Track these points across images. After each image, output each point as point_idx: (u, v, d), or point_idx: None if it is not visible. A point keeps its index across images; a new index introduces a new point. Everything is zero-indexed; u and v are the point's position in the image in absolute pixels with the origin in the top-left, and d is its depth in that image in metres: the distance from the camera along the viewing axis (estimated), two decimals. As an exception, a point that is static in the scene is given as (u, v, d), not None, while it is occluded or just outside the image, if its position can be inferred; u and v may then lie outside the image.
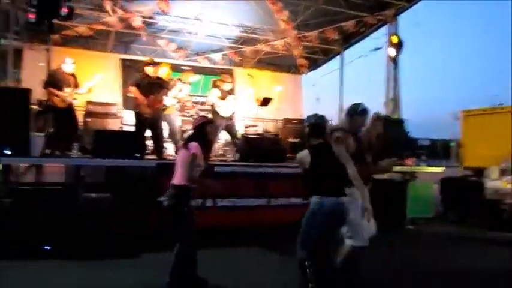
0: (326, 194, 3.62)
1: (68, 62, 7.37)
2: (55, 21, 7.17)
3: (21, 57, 10.92)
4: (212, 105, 8.38)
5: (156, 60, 7.94)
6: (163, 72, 7.91)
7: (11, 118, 5.33)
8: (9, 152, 5.22)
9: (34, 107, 7.20)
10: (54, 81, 6.99)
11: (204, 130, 4.32)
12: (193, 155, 4.10)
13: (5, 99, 5.46)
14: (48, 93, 6.98)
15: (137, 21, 10.23)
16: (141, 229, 5.80)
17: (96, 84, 7.58)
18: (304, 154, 3.85)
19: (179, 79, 8.27)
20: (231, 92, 8.74)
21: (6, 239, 5.18)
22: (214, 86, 8.68)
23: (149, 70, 7.28)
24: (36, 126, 7.04)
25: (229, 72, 8.87)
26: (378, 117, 8.01)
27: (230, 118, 8.43)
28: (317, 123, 3.90)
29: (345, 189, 3.66)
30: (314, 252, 3.67)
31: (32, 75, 9.36)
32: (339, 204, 3.61)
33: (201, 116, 4.96)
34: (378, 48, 11.31)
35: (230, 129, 8.44)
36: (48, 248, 5.23)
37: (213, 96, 8.34)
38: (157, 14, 10.38)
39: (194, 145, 4.15)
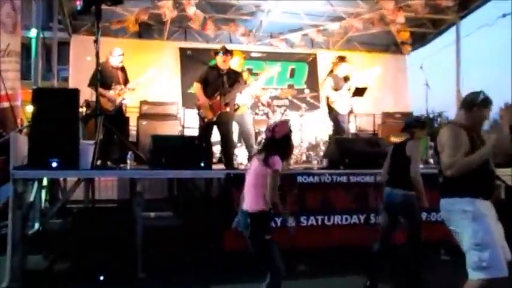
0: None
1: (115, 53, 7.65)
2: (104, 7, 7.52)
3: (68, 51, 11.74)
4: (327, 99, 8.40)
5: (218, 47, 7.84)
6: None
7: (58, 125, 5.60)
8: (56, 165, 5.50)
9: (82, 109, 7.61)
10: (101, 78, 7.27)
11: (289, 141, 4.27)
12: (277, 173, 4.02)
13: (51, 103, 5.72)
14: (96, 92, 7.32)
15: (191, 10, 10.45)
16: (214, 253, 5.90)
17: (148, 80, 7.83)
18: None
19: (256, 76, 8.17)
20: (347, 78, 8.53)
21: (56, 265, 5.52)
22: (330, 73, 8.62)
23: (219, 60, 7.16)
24: (85, 133, 7.41)
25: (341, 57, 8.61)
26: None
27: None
28: None
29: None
30: None
31: (79, 71, 9.94)
32: None
33: (285, 121, 4.87)
34: (507, 15, 10.69)
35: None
36: (102, 278, 5.47)
37: (327, 86, 8.34)
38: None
39: (277, 160, 4.05)
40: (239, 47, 12.10)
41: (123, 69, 7.77)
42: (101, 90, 7.17)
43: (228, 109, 7.07)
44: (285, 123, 4.53)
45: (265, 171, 4.03)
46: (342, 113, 8.35)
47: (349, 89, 8.33)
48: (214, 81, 7.04)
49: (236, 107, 7.60)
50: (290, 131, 4.31)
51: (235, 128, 7.83)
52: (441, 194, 4.01)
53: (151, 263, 5.71)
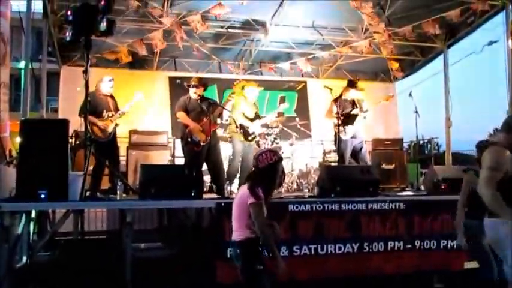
0: None
1: (105, 80, 7.77)
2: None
3: (57, 82, 11.75)
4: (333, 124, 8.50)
5: (208, 76, 8.19)
6: (254, 95, 8.15)
7: (46, 155, 5.55)
8: (44, 196, 5.44)
9: (71, 140, 7.58)
10: (91, 107, 7.28)
11: (273, 170, 4.23)
12: (256, 204, 4.01)
13: (39, 133, 5.71)
14: (85, 122, 7.32)
15: (180, 34, 10.53)
16: (206, 285, 5.82)
17: (137, 103, 7.94)
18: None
19: (232, 94, 8.53)
20: (355, 103, 8.68)
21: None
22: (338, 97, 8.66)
23: (191, 92, 7.56)
24: (74, 164, 7.37)
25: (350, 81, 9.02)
26: None
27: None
28: None
29: None
30: None
31: (69, 102, 9.94)
32: None
33: (269, 151, 4.56)
34: (493, 42, 10.84)
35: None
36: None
37: (331, 111, 8.46)
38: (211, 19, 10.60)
39: (256, 191, 4.04)
40: (229, 76, 12.22)
41: (112, 96, 7.84)
42: (92, 118, 7.24)
43: (217, 127, 7.66)
44: (268, 153, 4.37)
45: (247, 200, 4.03)
46: (344, 138, 8.41)
47: (356, 114, 8.42)
48: (195, 108, 7.48)
49: (253, 136, 7.96)
50: (276, 160, 4.25)
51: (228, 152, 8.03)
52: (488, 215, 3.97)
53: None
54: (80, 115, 7.33)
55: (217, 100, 9.01)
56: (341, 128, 8.34)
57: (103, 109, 7.59)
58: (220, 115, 8.36)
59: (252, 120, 7.97)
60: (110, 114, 7.62)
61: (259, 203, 4.01)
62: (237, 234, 4.11)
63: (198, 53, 11.39)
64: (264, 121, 8.32)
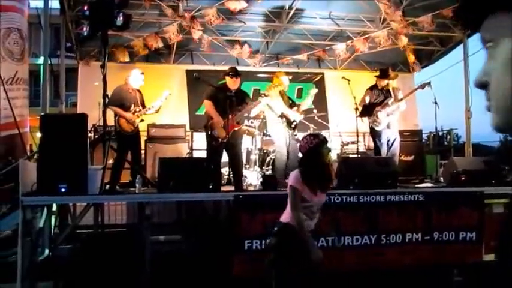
0: None
1: (135, 73, 7.75)
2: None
3: (76, 77, 11.90)
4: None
5: (225, 69, 7.90)
6: (286, 84, 8.04)
7: (66, 150, 5.65)
8: (65, 190, 5.54)
9: (90, 134, 7.69)
10: (120, 100, 7.37)
11: (314, 155, 4.13)
12: (291, 189, 3.99)
13: (59, 129, 5.80)
14: (114, 115, 7.42)
15: (196, 35, 10.59)
16: (222, 278, 5.87)
17: (164, 102, 7.94)
18: None
19: (263, 94, 7.83)
20: (388, 91, 8.55)
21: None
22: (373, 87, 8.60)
23: (229, 81, 7.27)
24: (93, 158, 7.47)
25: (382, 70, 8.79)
26: None
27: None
28: None
29: None
30: None
31: (87, 97, 10.05)
32: None
33: (310, 135, 4.44)
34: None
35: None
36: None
37: (362, 101, 8.45)
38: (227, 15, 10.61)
39: (293, 175, 4.05)
40: (246, 68, 12.23)
41: (140, 91, 7.88)
42: (120, 111, 7.30)
43: (239, 127, 7.27)
44: (308, 137, 4.29)
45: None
46: (378, 128, 8.33)
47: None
48: (223, 101, 7.08)
49: (295, 123, 7.83)
50: (316, 143, 4.14)
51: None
52: None
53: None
54: (107, 107, 7.25)
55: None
56: (374, 118, 8.26)
57: (131, 103, 7.60)
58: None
59: (290, 107, 7.89)
60: (138, 109, 7.65)
61: (292, 187, 3.99)
62: (282, 216, 4.16)
63: (208, 48, 11.43)
64: (303, 108, 8.10)
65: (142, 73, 7.84)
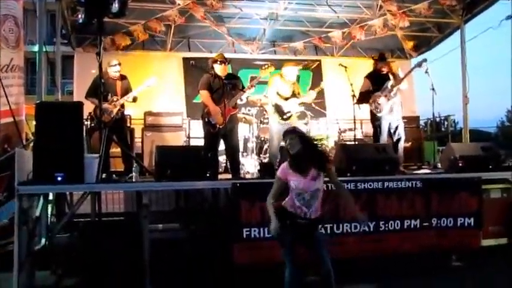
0: None
1: (112, 63, 7.92)
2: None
3: (72, 65, 11.79)
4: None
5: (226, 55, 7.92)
6: (293, 75, 7.96)
7: (62, 138, 5.56)
8: (61, 179, 5.46)
9: (86, 122, 7.63)
10: (95, 89, 7.30)
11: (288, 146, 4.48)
12: (276, 178, 4.48)
13: (55, 117, 5.70)
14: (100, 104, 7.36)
15: (199, 13, 10.51)
16: (223, 267, 5.84)
17: (150, 87, 8.00)
18: None
19: (253, 77, 8.01)
20: (387, 77, 8.29)
21: (64, 281, 5.48)
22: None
23: (218, 68, 7.31)
24: (89, 146, 7.43)
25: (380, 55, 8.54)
26: None
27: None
28: None
29: None
30: None
31: (84, 85, 9.93)
32: None
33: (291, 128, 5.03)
34: (510, 16, 10.58)
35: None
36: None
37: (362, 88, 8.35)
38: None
39: (281, 166, 4.50)
40: (243, 55, 12.13)
41: (123, 78, 7.89)
42: (96, 101, 7.29)
43: (236, 111, 7.41)
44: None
45: None
46: (379, 114, 8.09)
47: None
48: (218, 88, 7.22)
49: (289, 114, 7.75)
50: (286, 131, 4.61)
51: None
52: None
53: (158, 277, 5.65)
54: (86, 98, 7.58)
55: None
56: (375, 104, 8.06)
57: (108, 93, 7.73)
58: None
59: (286, 99, 7.79)
60: (115, 99, 7.76)
61: (276, 176, 4.52)
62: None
63: (213, 23, 11.30)
64: (302, 100, 8.02)
65: (118, 64, 8.00)
